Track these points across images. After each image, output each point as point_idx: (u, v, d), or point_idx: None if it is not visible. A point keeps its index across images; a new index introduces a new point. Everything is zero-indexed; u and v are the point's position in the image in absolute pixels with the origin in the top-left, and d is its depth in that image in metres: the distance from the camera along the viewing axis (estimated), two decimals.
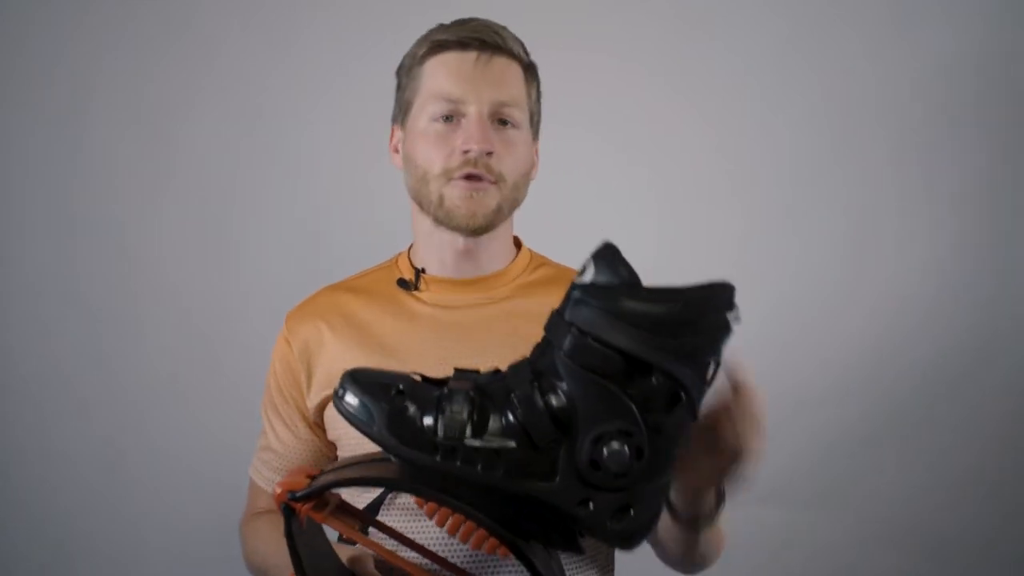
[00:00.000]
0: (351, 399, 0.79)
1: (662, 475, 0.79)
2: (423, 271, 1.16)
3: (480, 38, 1.10)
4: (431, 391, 0.79)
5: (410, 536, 1.00)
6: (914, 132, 2.01)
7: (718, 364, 0.79)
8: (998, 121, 2.01)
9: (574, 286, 0.77)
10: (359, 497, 1.08)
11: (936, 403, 2.00)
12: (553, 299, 1.14)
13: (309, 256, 1.95)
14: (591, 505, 0.77)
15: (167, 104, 1.96)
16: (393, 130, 1.20)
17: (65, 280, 1.95)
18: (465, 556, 1.03)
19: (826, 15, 2.01)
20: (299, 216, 1.97)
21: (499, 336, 1.10)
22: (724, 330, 0.77)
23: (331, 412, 1.13)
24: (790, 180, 2.02)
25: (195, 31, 1.97)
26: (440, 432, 0.76)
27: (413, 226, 1.18)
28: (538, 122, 1.20)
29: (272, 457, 1.21)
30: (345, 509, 0.91)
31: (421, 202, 1.13)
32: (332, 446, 1.17)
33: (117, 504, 1.94)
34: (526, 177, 1.16)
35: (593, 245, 0.79)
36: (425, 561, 0.98)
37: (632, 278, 0.75)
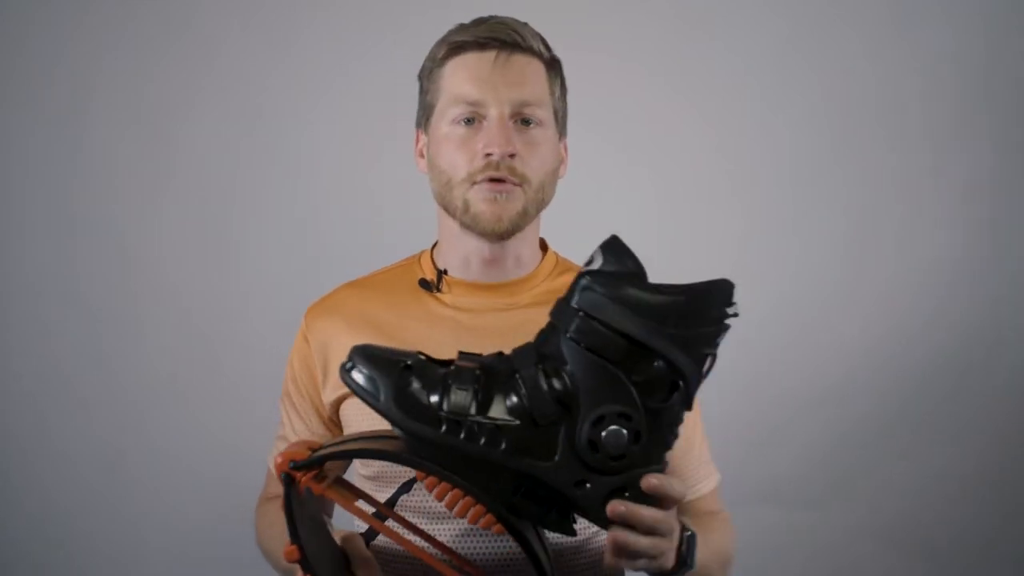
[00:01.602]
0: (358, 372, 0.81)
1: (657, 461, 0.81)
2: (445, 272, 1.15)
3: (498, 37, 1.09)
4: (437, 369, 0.82)
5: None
6: (914, 132, 2.01)
7: (715, 358, 0.80)
8: (999, 121, 2.01)
9: (581, 274, 0.79)
10: (377, 494, 1.07)
11: (937, 404, 2.00)
12: None
13: (309, 256, 1.95)
14: (587, 486, 0.79)
15: (167, 104, 1.96)
16: (417, 135, 1.18)
17: (65, 280, 1.95)
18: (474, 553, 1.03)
19: (826, 15, 2.01)
20: (299, 216, 1.97)
21: (520, 343, 1.09)
22: (723, 325, 0.79)
23: (347, 409, 1.13)
24: (790, 180, 2.02)
25: (195, 31, 1.97)
26: (445, 407, 0.79)
27: (439, 227, 1.17)
28: (564, 118, 1.17)
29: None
30: (343, 483, 0.93)
31: (447, 207, 1.12)
32: None
33: (117, 504, 1.94)
34: (552, 176, 1.13)
35: (594, 244, 0.80)
36: (415, 539, 0.98)
37: (638, 269, 0.78)
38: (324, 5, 1.99)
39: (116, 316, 1.95)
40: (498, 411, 0.79)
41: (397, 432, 0.81)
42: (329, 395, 1.14)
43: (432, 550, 0.98)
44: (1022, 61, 2.01)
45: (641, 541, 0.81)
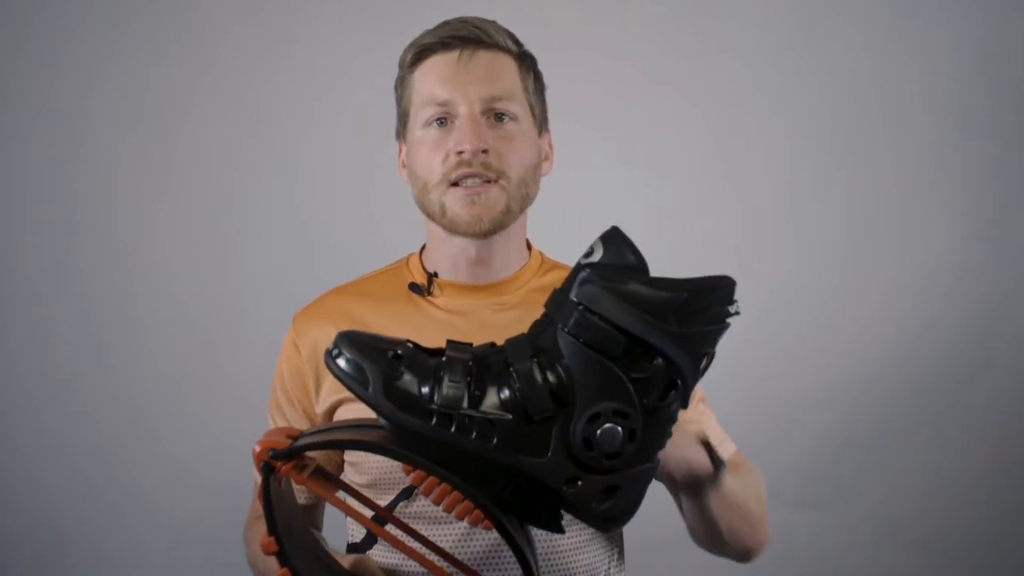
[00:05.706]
0: (345, 360, 0.77)
1: (650, 460, 0.79)
2: (435, 275, 1.14)
3: (461, 35, 1.08)
4: (428, 359, 0.79)
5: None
6: (915, 132, 2.01)
7: (712, 357, 0.78)
8: (1000, 121, 2.01)
9: (581, 266, 0.77)
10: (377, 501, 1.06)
11: (940, 405, 2.00)
12: None
13: (309, 256, 1.95)
14: (579, 484, 0.77)
15: (167, 104, 1.96)
16: (399, 146, 1.18)
17: (65, 280, 1.95)
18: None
19: (827, 15, 2.01)
20: (299, 216, 1.97)
21: None
22: (723, 323, 0.77)
23: (342, 416, 1.11)
24: (790, 180, 2.02)
25: (195, 31, 1.97)
26: (437, 400, 0.76)
27: (426, 231, 1.16)
28: (542, 112, 1.15)
29: None
30: (323, 473, 0.90)
31: (427, 212, 1.11)
32: (340, 452, 1.16)
33: (117, 504, 1.94)
34: (533, 171, 1.11)
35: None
36: (398, 533, 0.96)
37: (640, 263, 0.76)
38: (324, 5, 1.99)
39: (116, 316, 1.95)
40: (491, 405, 0.76)
41: (383, 423, 0.78)
42: (323, 403, 1.11)
43: (430, 555, 0.96)
44: (1023, 63, 2.01)
45: None
